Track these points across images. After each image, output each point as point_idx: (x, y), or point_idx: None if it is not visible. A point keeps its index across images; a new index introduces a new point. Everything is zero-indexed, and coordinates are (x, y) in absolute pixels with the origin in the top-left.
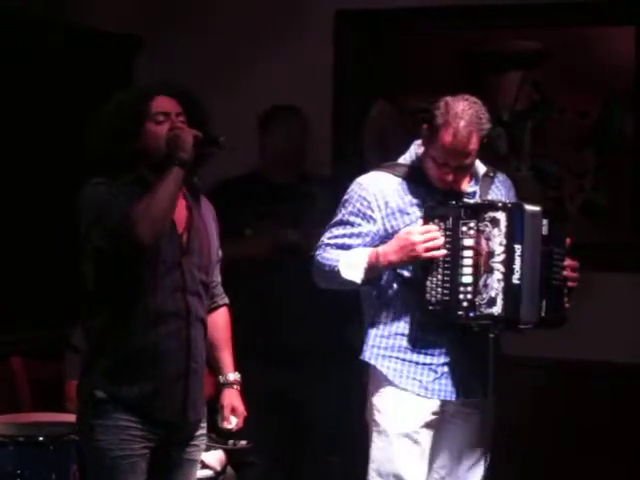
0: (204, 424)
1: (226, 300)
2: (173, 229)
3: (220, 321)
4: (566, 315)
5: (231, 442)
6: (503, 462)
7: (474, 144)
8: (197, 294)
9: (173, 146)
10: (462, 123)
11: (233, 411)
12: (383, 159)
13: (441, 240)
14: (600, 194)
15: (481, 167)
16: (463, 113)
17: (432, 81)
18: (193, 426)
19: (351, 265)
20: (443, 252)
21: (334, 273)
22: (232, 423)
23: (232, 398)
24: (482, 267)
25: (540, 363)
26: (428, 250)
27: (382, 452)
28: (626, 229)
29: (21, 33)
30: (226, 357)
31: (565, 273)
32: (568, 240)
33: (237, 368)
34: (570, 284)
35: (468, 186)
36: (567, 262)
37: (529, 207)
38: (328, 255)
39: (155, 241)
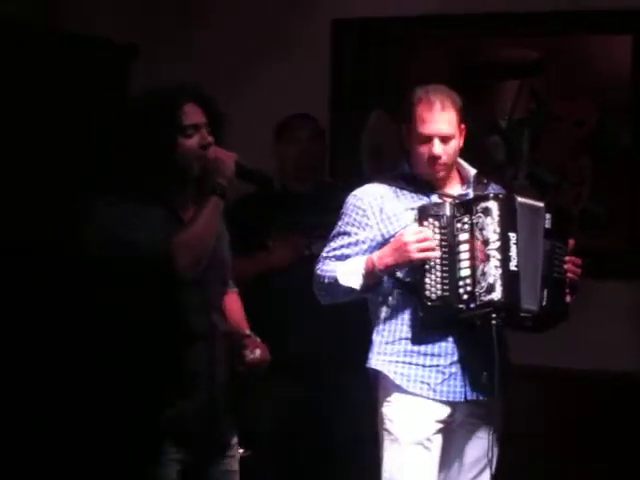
0: (234, 432)
1: (234, 288)
2: None
3: (228, 302)
4: (568, 310)
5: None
6: (503, 471)
7: (450, 112)
8: (219, 309)
9: (211, 170)
10: (432, 93)
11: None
12: (381, 169)
13: (435, 240)
14: (597, 202)
15: (471, 170)
16: (434, 88)
17: None
18: (226, 436)
19: (349, 272)
20: (437, 253)
21: (333, 283)
22: (255, 353)
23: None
24: (478, 257)
25: (537, 372)
26: (421, 251)
27: (394, 461)
28: (624, 237)
29: (16, 40)
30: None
31: (566, 266)
32: (571, 242)
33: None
34: (571, 276)
35: (460, 188)
36: (569, 258)
37: (522, 199)
38: (327, 267)
39: (195, 273)
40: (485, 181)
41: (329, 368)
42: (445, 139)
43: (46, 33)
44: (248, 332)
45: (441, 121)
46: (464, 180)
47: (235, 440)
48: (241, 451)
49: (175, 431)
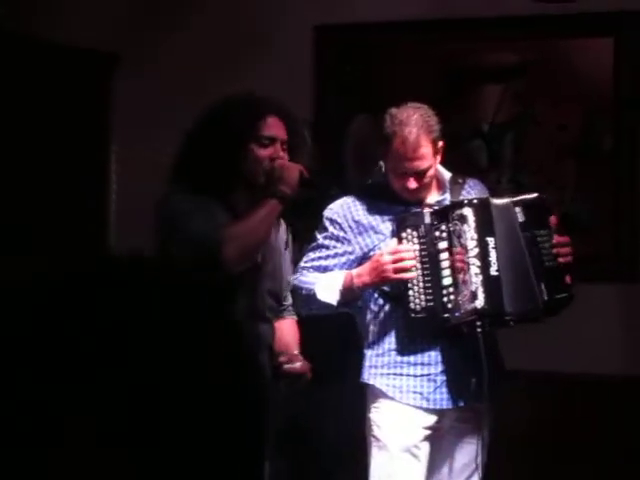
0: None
1: (294, 316)
2: None
3: (285, 326)
4: (572, 292)
5: None
6: (491, 475)
7: (425, 147)
8: (267, 319)
9: (276, 177)
10: (408, 129)
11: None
12: (364, 174)
13: (412, 261)
14: (581, 206)
15: (446, 174)
16: (408, 119)
17: (413, 95)
18: None
19: (327, 287)
20: (413, 274)
21: (311, 296)
22: (295, 365)
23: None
24: (459, 265)
25: (524, 375)
26: (398, 271)
27: (383, 468)
28: (608, 240)
29: None
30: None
31: (555, 251)
32: (553, 219)
33: None
34: (563, 259)
35: (437, 195)
36: (555, 240)
37: (495, 200)
38: (305, 279)
39: (239, 267)
40: (460, 181)
41: (317, 374)
42: (420, 173)
43: (27, 42)
44: (296, 352)
45: (416, 159)
46: (440, 185)
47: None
48: None
49: None
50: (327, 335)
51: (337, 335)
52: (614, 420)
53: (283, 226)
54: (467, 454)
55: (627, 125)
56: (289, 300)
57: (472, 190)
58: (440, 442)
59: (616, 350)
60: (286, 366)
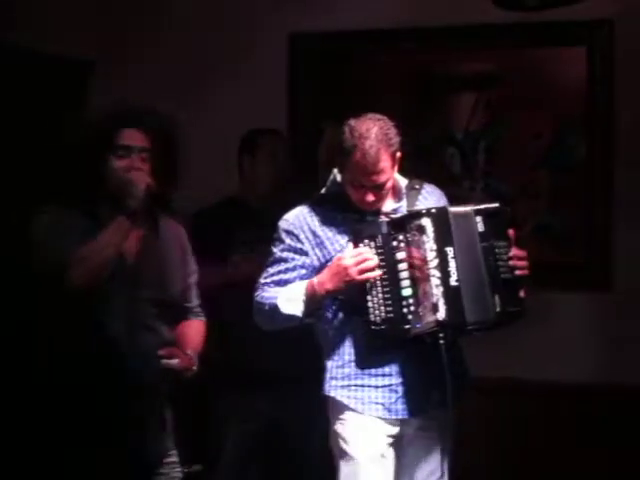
0: (173, 451)
1: (202, 318)
2: (122, 262)
3: (188, 330)
4: (524, 306)
5: (184, 466)
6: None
7: (385, 160)
8: (149, 327)
9: (123, 191)
10: (368, 142)
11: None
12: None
13: (374, 260)
14: (554, 215)
15: (402, 181)
16: (368, 132)
17: (386, 103)
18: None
19: (290, 300)
20: (377, 272)
21: (274, 311)
22: (172, 360)
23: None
24: (419, 276)
25: (493, 384)
26: (362, 272)
27: (350, 479)
28: (580, 249)
29: None
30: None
31: (512, 263)
32: (511, 231)
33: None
34: (519, 272)
35: (393, 203)
36: (513, 252)
37: (454, 209)
38: (267, 294)
39: (90, 286)
40: (417, 187)
41: (288, 385)
42: (379, 186)
43: (2, 49)
44: (189, 351)
45: (376, 173)
46: (396, 192)
47: (171, 458)
48: (197, 467)
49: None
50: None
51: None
52: (585, 429)
53: (176, 229)
54: (433, 461)
55: (600, 134)
56: (194, 302)
57: (429, 196)
58: (406, 450)
59: (588, 358)
60: (164, 361)
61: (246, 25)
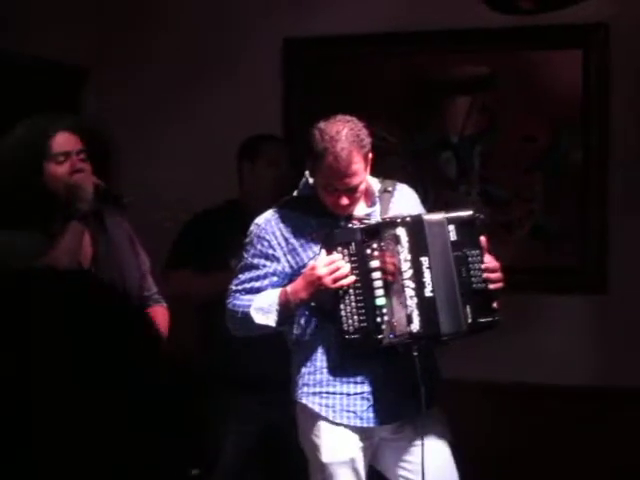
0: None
1: (163, 303)
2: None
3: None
4: (497, 317)
5: None
6: None
7: (357, 162)
8: None
9: (72, 196)
10: (339, 145)
11: None
12: None
13: (347, 268)
14: (549, 218)
15: (376, 184)
16: (339, 135)
17: (382, 107)
18: None
19: (263, 310)
20: (351, 279)
21: (247, 320)
22: None
23: None
24: (393, 286)
25: (486, 387)
26: (336, 280)
27: None
28: (575, 252)
29: None
30: None
31: (485, 275)
32: (483, 239)
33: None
34: (493, 287)
35: (366, 207)
36: (485, 265)
37: (428, 217)
38: (239, 302)
39: None
40: (390, 189)
41: (279, 388)
42: (352, 189)
43: None
44: None
45: (348, 176)
46: (369, 196)
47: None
48: (195, 471)
49: None
50: None
51: None
52: (579, 431)
53: (121, 225)
54: (413, 461)
55: (595, 137)
56: (152, 289)
57: (402, 198)
58: (383, 452)
59: (584, 361)
60: None
61: (241, 30)
